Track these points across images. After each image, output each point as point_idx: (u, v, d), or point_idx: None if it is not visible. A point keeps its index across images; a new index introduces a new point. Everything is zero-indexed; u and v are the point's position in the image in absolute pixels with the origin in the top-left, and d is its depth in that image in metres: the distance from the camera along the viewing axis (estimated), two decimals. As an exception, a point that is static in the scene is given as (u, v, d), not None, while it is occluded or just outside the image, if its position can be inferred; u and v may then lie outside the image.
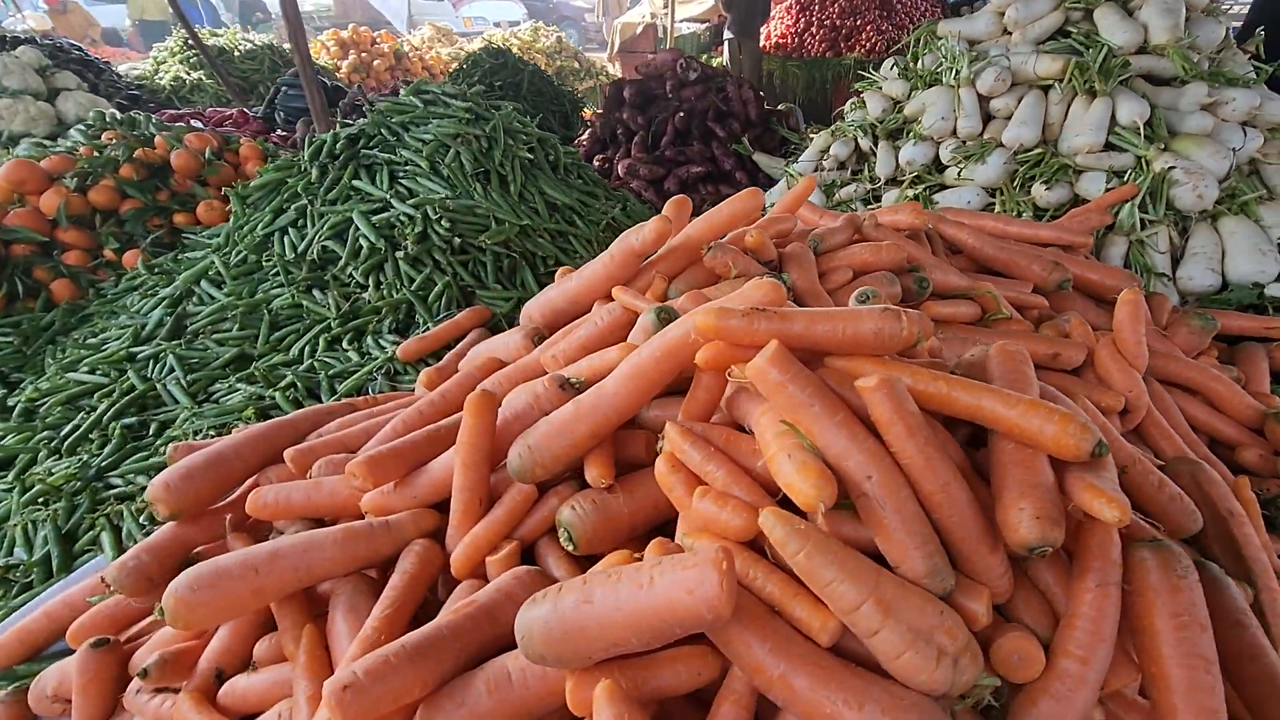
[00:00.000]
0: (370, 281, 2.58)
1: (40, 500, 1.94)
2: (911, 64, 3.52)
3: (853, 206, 3.40)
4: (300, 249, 2.68)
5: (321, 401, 2.22)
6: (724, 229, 1.71)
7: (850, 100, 3.85)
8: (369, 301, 2.56)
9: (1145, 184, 2.58)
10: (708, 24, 14.74)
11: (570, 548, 1.16)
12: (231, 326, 2.63)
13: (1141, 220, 2.59)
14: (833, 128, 3.60)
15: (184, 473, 1.50)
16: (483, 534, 1.23)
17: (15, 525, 1.88)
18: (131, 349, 2.61)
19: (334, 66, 10.31)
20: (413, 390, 2.20)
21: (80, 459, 2.06)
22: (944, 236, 2.20)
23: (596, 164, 4.86)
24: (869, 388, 0.94)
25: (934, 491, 0.93)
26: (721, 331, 1.03)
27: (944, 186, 3.12)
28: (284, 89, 8.84)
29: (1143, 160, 2.65)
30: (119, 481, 1.95)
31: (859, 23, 11.27)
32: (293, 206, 2.80)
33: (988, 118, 3.07)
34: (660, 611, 0.82)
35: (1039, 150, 2.87)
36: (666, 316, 1.27)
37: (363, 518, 1.45)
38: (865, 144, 3.46)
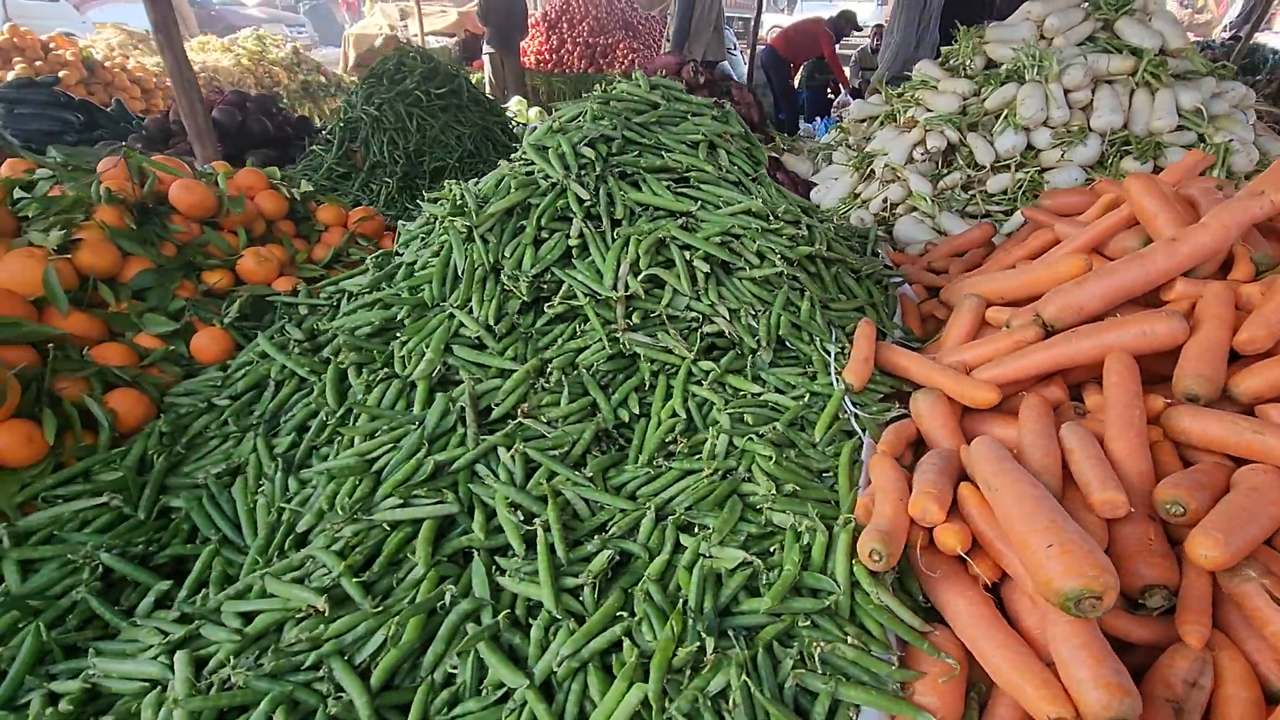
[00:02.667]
0: (725, 312, 2.13)
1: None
2: (963, 64, 4.02)
3: (957, 192, 3.76)
4: (613, 283, 2.09)
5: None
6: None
7: (897, 98, 4.23)
8: (728, 336, 2.12)
9: (1220, 154, 3.37)
10: (455, 38, 14.21)
11: None
12: (555, 399, 1.96)
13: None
14: (922, 122, 3.92)
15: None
16: None
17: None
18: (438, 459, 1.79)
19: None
20: (895, 415, 1.94)
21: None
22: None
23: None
24: None
25: None
26: None
27: (1042, 169, 3.64)
28: (4, 106, 6.72)
29: (1203, 136, 3.45)
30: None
31: (611, 41, 12.01)
32: (565, 232, 2.16)
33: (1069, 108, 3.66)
34: None
35: (1124, 133, 3.53)
36: None
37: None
38: (953, 136, 3.84)
